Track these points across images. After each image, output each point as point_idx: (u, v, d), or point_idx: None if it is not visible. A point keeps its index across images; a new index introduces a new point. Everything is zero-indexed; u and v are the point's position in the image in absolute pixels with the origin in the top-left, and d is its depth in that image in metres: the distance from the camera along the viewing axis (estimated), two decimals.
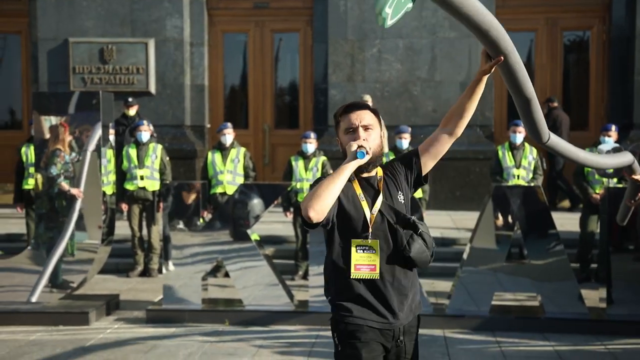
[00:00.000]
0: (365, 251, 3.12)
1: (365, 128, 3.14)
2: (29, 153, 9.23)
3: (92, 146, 7.31)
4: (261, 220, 7.78)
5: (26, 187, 9.27)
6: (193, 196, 7.55)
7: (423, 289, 6.59)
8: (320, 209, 2.92)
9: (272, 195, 7.65)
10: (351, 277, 3.12)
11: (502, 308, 7.39)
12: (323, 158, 9.16)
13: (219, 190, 9.03)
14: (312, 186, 3.10)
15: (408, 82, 12.31)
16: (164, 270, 8.30)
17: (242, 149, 9.31)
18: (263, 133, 12.95)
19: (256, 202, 7.49)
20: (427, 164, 3.22)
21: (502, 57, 2.81)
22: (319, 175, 8.91)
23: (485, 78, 3.00)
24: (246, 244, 7.38)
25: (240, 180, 8.96)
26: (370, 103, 11.04)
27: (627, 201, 5.28)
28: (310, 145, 9.05)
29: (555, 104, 11.92)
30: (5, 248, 9.46)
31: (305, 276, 8.64)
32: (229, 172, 9.08)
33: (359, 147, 3.03)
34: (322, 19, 12.51)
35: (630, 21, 12.24)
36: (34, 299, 7.25)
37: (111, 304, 7.56)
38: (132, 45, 12.45)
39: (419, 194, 8.61)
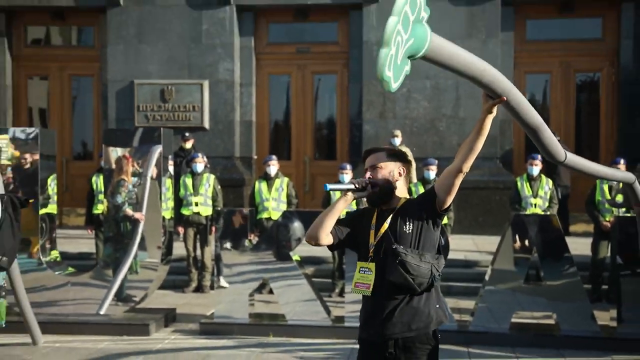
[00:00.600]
0: (365, 272, 3.29)
1: (372, 168, 3.32)
2: (98, 182, 9.38)
3: (150, 172, 7.41)
4: (302, 243, 7.81)
5: (95, 211, 9.41)
6: (241, 221, 7.61)
7: (448, 306, 6.54)
8: (312, 234, 3.30)
9: (312, 221, 7.65)
10: (357, 293, 3.33)
11: (520, 326, 7.29)
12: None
13: (264, 215, 9.07)
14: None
15: (435, 119, 12.30)
16: (215, 287, 8.34)
17: (286, 179, 9.36)
18: (304, 164, 13.01)
19: (297, 227, 7.53)
20: (443, 197, 3.21)
21: (504, 98, 2.82)
22: (354, 202, 8.91)
23: (489, 117, 2.96)
24: (288, 264, 7.40)
25: (283, 207, 9.00)
26: (400, 137, 11.06)
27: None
28: (347, 176, 9.06)
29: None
30: (77, 265, 9.55)
31: (341, 294, 8.62)
32: (274, 199, 9.13)
33: (350, 182, 3.28)
34: (357, 62, 12.57)
35: (637, 65, 12.12)
36: (102, 312, 7.34)
37: (169, 317, 7.62)
38: (189, 86, 12.63)
39: (444, 220, 8.57)
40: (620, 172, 4.46)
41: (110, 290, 7.36)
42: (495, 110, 2.91)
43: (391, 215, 3.29)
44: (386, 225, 3.27)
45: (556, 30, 12.75)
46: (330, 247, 3.43)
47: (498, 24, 12.16)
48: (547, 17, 12.70)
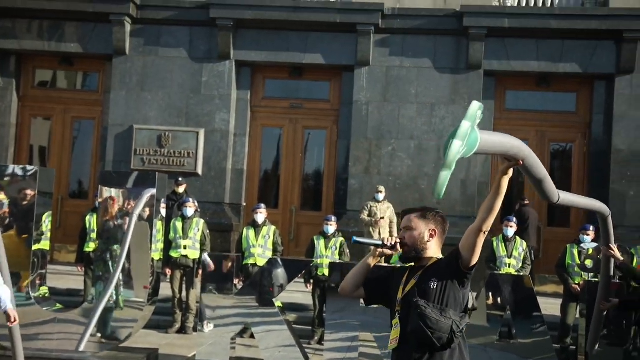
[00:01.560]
0: (395, 327, 3.26)
1: (405, 228, 3.35)
2: (92, 220, 9.23)
3: (136, 212, 7.25)
4: (284, 290, 7.66)
5: (87, 249, 9.24)
6: (228, 265, 7.46)
7: None
8: (343, 287, 3.44)
9: (296, 270, 7.55)
10: (387, 349, 3.31)
11: None
12: (341, 239, 9.07)
13: (250, 261, 8.92)
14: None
15: (417, 177, 12.30)
16: (198, 329, 8.13)
17: (273, 227, 9.25)
18: (290, 213, 12.92)
19: (281, 274, 7.39)
20: (466, 256, 3.15)
21: (520, 162, 2.88)
22: (336, 253, 8.82)
23: (505, 179, 2.95)
24: (271, 310, 7.24)
25: (269, 254, 8.87)
26: (383, 193, 11.02)
27: (601, 303, 5.23)
28: (331, 227, 8.98)
29: (527, 202, 11.77)
30: (64, 301, 9.31)
31: (320, 341, 8.44)
32: (260, 246, 9.00)
33: (379, 238, 3.45)
34: (346, 120, 12.62)
35: (607, 137, 12.24)
36: (81, 349, 7.08)
37: (151, 357, 7.37)
38: (185, 134, 12.60)
39: None
40: (598, 203, 4.52)
41: (89, 326, 7.10)
42: (511, 172, 2.93)
43: (420, 272, 3.27)
44: (414, 281, 3.26)
45: (533, 102, 12.88)
46: (365, 302, 3.53)
47: (480, 92, 12.28)
48: (526, 89, 12.85)
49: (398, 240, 3.31)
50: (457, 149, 2.39)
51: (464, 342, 3.22)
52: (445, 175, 2.42)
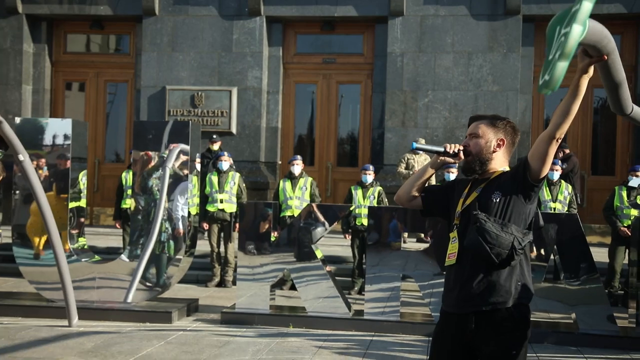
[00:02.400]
0: (453, 242, 3.06)
1: (471, 135, 3.08)
2: (128, 177, 9.26)
3: (170, 164, 7.20)
4: (323, 242, 7.55)
5: (124, 206, 9.27)
6: (265, 216, 7.36)
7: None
8: (400, 195, 3.27)
9: (334, 216, 7.43)
10: (445, 264, 3.10)
11: (538, 323, 6.96)
12: (379, 188, 8.92)
13: (288, 213, 8.84)
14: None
15: (454, 129, 12.04)
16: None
17: (310, 179, 9.14)
18: (326, 170, 12.79)
19: (319, 224, 7.27)
20: (536, 167, 2.89)
21: (605, 57, 2.52)
22: (375, 202, 8.67)
23: (585, 78, 2.60)
24: (312, 262, 7.14)
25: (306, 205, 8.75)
26: (424, 144, 10.77)
27: None
28: (369, 177, 8.83)
29: (568, 151, 11.17)
30: (105, 259, 9.41)
31: (360, 292, 8.35)
32: (297, 198, 8.91)
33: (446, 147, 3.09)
34: (381, 73, 12.38)
35: None
36: (129, 300, 7.14)
37: (191, 307, 7.40)
38: (218, 93, 12.51)
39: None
40: None
41: (135, 277, 7.15)
42: (591, 70, 2.59)
43: (483, 185, 3.03)
44: (476, 194, 3.01)
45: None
46: (422, 213, 3.31)
47: (519, 39, 11.92)
48: None
49: (461, 148, 3.05)
50: (579, 34, 2.09)
51: (527, 260, 2.98)
52: (563, 67, 2.12)
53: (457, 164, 8.42)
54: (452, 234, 3.07)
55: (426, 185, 3.26)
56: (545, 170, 2.90)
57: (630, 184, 8.05)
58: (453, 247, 3.04)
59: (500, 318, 2.90)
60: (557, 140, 2.81)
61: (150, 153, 7.29)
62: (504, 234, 2.87)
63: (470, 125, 3.12)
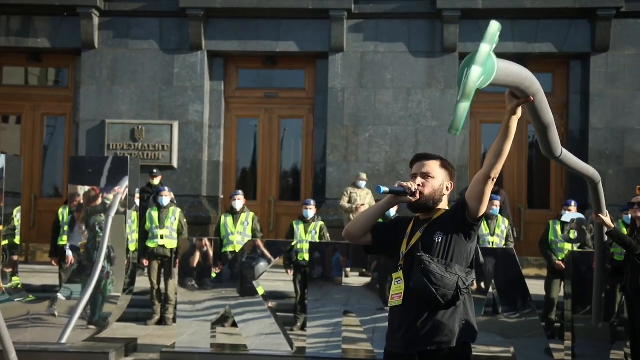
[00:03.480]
0: (397, 282, 3.07)
1: (424, 175, 3.09)
2: (64, 213, 9.03)
3: (116, 205, 7.06)
4: (265, 278, 7.50)
5: (60, 243, 9.02)
6: (205, 252, 7.28)
7: None
8: (351, 230, 3.18)
9: (277, 251, 7.40)
10: (389, 305, 3.12)
11: (479, 358, 7.04)
12: (321, 223, 8.94)
13: (229, 249, 8.76)
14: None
15: (395, 163, 12.21)
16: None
17: (251, 214, 9.10)
18: (269, 204, 12.76)
19: (260, 256, 7.23)
20: (473, 206, 2.96)
21: (531, 98, 2.62)
22: (316, 237, 8.67)
23: (514, 120, 2.72)
24: (253, 298, 7.08)
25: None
26: (366, 180, 10.91)
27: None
28: (311, 211, 8.84)
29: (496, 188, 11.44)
30: (40, 298, 9.11)
31: (303, 327, 8.29)
32: (239, 233, 8.84)
33: (398, 185, 3.05)
34: (322, 108, 12.50)
35: (584, 117, 12.25)
36: (64, 340, 6.90)
37: (129, 347, 7.21)
38: (159, 127, 12.39)
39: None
40: (592, 169, 4.34)
41: (72, 317, 6.93)
42: (520, 111, 2.69)
43: (425, 225, 3.07)
44: (419, 234, 3.06)
45: None
46: (367, 250, 3.27)
47: (456, 76, 12.20)
48: None
49: (417, 187, 3.05)
50: (477, 75, 2.15)
51: (470, 298, 3.06)
52: (464, 107, 2.18)
53: None
54: (396, 275, 3.09)
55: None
56: (483, 210, 2.97)
57: (563, 218, 8.29)
58: (398, 288, 3.05)
59: (444, 357, 2.95)
60: (492, 180, 2.88)
61: (96, 189, 7.13)
62: (448, 274, 2.91)
63: (418, 164, 3.13)
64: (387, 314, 3.27)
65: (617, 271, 6.29)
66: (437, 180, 3.08)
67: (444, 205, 3.13)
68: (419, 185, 3.06)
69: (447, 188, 3.11)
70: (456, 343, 2.95)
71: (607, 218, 5.49)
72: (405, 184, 3.04)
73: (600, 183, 4.82)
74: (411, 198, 3.06)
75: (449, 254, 2.98)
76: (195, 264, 7.19)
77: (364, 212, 3.22)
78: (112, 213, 7.01)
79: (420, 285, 2.92)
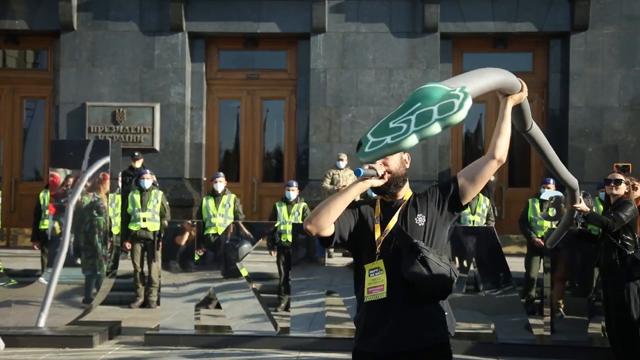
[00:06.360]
0: (375, 273, 2.76)
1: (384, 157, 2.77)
2: (46, 197, 8.97)
3: (75, 198, 7.01)
4: (249, 259, 7.53)
5: (42, 227, 8.98)
6: (188, 235, 7.28)
7: None
8: (316, 221, 2.69)
9: (260, 233, 7.42)
10: (365, 300, 2.78)
11: (459, 335, 7.12)
12: (304, 204, 8.96)
13: (212, 231, 8.76)
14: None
15: None
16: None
17: (233, 196, 9.09)
18: (252, 186, 12.75)
19: (243, 238, 7.25)
20: (466, 188, 2.81)
21: (523, 86, 2.90)
22: (299, 219, 8.70)
23: (510, 100, 2.86)
24: (237, 280, 7.10)
25: (230, 222, 8.69)
26: (345, 161, 10.92)
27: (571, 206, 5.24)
28: (293, 193, 8.86)
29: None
30: (22, 282, 9.07)
31: (287, 308, 8.33)
32: (221, 215, 8.84)
33: (369, 167, 2.74)
34: (304, 89, 12.47)
35: (564, 96, 12.32)
36: (40, 324, 6.89)
37: (113, 330, 7.22)
38: (140, 109, 12.31)
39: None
40: (569, 174, 4.33)
41: (46, 300, 6.90)
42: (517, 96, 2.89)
43: (400, 207, 2.82)
44: (395, 218, 2.79)
45: (491, 63, 12.70)
46: (326, 242, 2.79)
47: (437, 56, 12.23)
48: (483, 51, 12.84)
49: (385, 168, 2.79)
50: (410, 145, 2.27)
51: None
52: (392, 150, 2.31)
53: None
54: (372, 265, 2.77)
55: None
56: (475, 192, 2.83)
57: (542, 196, 8.37)
58: (377, 280, 2.75)
59: (435, 354, 2.75)
60: (497, 161, 2.80)
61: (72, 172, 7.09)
62: (443, 264, 2.70)
63: None
64: None
65: (586, 235, 6.35)
66: (396, 156, 2.84)
67: (407, 184, 2.90)
68: (382, 164, 2.78)
69: (405, 161, 2.87)
70: (443, 337, 2.77)
71: (581, 205, 5.57)
72: (374, 165, 2.74)
73: (578, 190, 4.89)
74: (379, 181, 2.78)
75: (433, 239, 2.79)
76: (178, 247, 7.19)
77: (332, 200, 2.73)
78: (71, 209, 6.96)
79: (420, 277, 2.66)
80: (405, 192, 2.89)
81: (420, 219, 2.79)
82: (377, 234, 2.80)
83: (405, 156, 2.90)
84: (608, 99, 12.12)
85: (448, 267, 2.70)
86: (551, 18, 12.13)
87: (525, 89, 2.90)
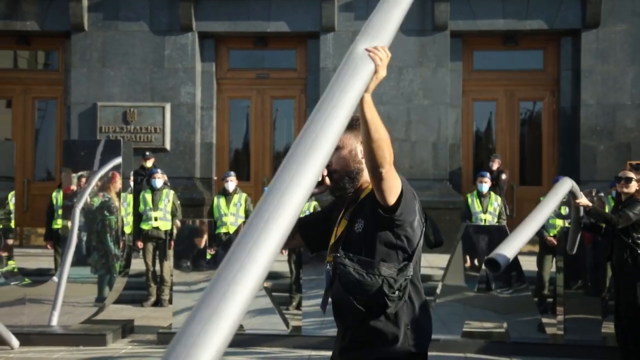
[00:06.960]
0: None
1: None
2: (58, 197, 9.03)
3: (81, 202, 7.04)
4: None
5: (55, 226, 9.03)
6: (200, 234, 7.31)
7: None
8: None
9: None
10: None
11: (472, 334, 7.13)
12: (315, 203, 8.96)
13: (223, 230, 8.78)
14: None
15: None
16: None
17: (244, 195, 9.12)
18: (262, 185, 12.78)
19: None
20: (379, 198, 2.39)
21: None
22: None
23: (366, 95, 2.22)
24: None
25: (241, 222, 8.74)
26: None
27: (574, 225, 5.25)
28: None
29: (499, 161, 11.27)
30: (35, 281, 9.14)
31: (298, 306, 8.36)
32: (232, 214, 8.87)
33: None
34: (314, 88, 12.47)
35: (575, 94, 12.27)
36: (53, 322, 6.94)
37: (126, 328, 7.26)
38: (151, 109, 12.36)
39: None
40: (557, 191, 4.35)
41: (57, 299, 6.95)
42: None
43: (352, 209, 2.47)
44: (345, 222, 2.46)
45: (501, 61, 12.86)
46: (310, 249, 2.68)
47: (447, 54, 12.22)
48: (493, 49, 12.82)
49: (324, 172, 2.39)
50: None
51: (417, 298, 2.46)
52: None
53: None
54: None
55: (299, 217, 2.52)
56: (389, 199, 2.34)
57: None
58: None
59: None
60: (379, 170, 2.28)
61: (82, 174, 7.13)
62: (369, 278, 2.34)
63: None
64: None
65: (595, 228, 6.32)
66: (346, 149, 2.47)
67: (364, 177, 2.49)
68: (328, 165, 2.29)
69: (361, 151, 2.44)
70: (401, 354, 2.41)
71: (583, 199, 5.57)
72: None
73: (574, 185, 4.94)
74: (316, 190, 2.40)
75: (371, 248, 2.39)
76: (190, 246, 7.22)
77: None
78: (77, 212, 7.00)
79: (338, 294, 2.40)
80: (367, 188, 2.46)
81: (359, 226, 2.42)
82: (332, 240, 2.50)
83: (357, 150, 2.49)
84: (620, 97, 12.07)
85: (379, 280, 2.34)
86: (562, 15, 12.09)
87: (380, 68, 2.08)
